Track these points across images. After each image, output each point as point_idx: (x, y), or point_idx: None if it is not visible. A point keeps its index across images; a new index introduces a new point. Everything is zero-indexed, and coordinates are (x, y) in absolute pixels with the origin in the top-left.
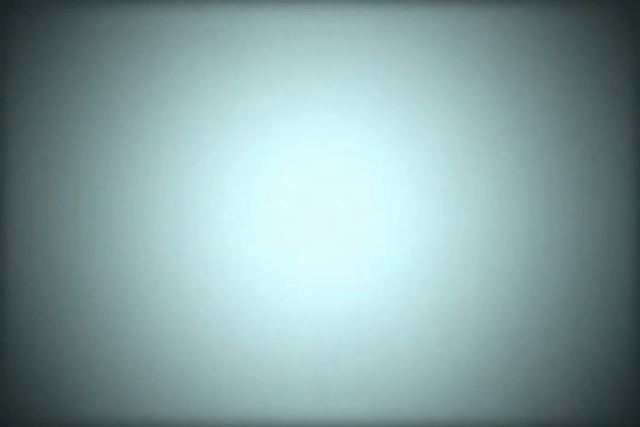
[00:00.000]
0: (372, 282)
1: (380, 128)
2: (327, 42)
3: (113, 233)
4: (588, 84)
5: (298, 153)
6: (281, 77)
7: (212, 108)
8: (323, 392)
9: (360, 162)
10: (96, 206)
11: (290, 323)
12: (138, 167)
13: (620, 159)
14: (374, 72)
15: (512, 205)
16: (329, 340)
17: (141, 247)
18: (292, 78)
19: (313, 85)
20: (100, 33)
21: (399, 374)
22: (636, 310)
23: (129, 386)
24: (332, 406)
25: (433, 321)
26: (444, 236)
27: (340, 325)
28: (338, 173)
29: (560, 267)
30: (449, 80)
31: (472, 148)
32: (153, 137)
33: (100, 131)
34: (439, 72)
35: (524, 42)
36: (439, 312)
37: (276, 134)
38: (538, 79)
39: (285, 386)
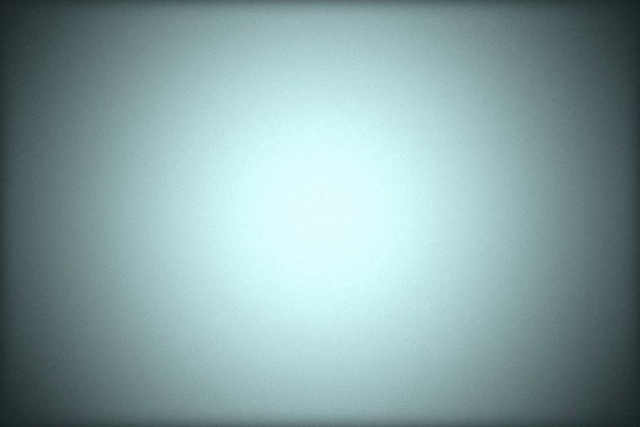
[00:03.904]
0: (374, 281)
1: (381, 128)
2: (328, 42)
3: (113, 233)
4: (589, 84)
5: (298, 153)
6: (281, 77)
7: (213, 108)
8: (324, 392)
9: (361, 161)
10: (96, 206)
11: (291, 322)
12: (138, 167)
13: (620, 159)
14: (376, 71)
15: (512, 204)
16: (330, 340)
17: (142, 247)
18: (292, 78)
19: (314, 85)
20: (99, 32)
21: (399, 374)
22: (636, 310)
23: (129, 386)
24: (332, 407)
25: (433, 320)
26: (444, 235)
27: (341, 324)
28: (339, 172)
29: (560, 267)
30: (448, 79)
31: (471, 148)
32: (153, 136)
33: (99, 130)
34: (439, 71)
35: (525, 42)
36: (439, 312)
37: (277, 134)
38: (537, 79)
39: (286, 386)
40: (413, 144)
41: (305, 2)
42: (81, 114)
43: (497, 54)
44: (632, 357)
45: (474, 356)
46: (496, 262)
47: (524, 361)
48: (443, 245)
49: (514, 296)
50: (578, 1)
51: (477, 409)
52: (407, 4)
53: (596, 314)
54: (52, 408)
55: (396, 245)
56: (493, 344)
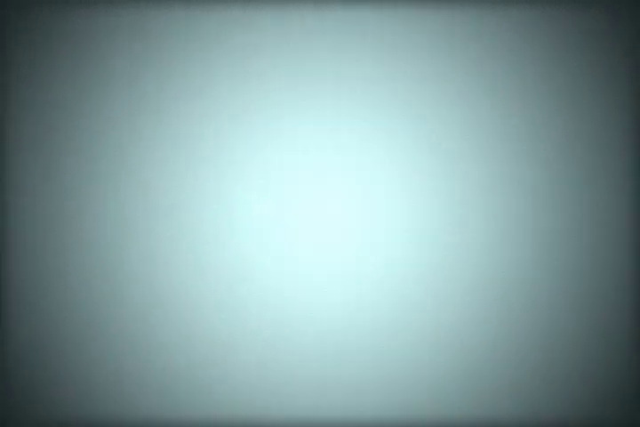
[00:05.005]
0: (374, 281)
1: (381, 128)
2: (328, 41)
3: (113, 233)
4: (588, 83)
5: (298, 153)
6: (281, 78)
7: (214, 109)
8: (323, 392)
9: (362, 161)
10: (96, 206)
11: (290, 322)
12: (138, 167)
13: (620, 159)
14: (376, 72)
15: (512, 204)
16: (330, 340)
17: (142, 248)
18: (292, 79)
19: (314, 86)
20: (99, 33)
21: (399, 374)
22: (636, 310)
23: (129, 386)
24: (331, 407)
25: (432, 320)
26: (443, 235)
27: (341, 323)
28: (339, 173)
29: (559, 267)
30: (449, 80)
31: (471, 148)
32: (153, 137)
33: (99, 131)
34: (439, 72)
35: (525, 42)
36: (439, 312)
37: (277, 134)
38: (537, 79)
39: (285, 386)
40: (414, 144)
41: (305, 2)
42: (82, 114)
43: (497, 54)
44: (632, 356)
45: (474, 356)
46: (496, 263)
47: (524, 361)
48: (442, 245)
49: (514, 296)
50: (578, 1)
51: (477, 409)
52: (407, 4)
53: (595, 313)
54: (52, 408)
55: (396, 245)
56: (493, 344)
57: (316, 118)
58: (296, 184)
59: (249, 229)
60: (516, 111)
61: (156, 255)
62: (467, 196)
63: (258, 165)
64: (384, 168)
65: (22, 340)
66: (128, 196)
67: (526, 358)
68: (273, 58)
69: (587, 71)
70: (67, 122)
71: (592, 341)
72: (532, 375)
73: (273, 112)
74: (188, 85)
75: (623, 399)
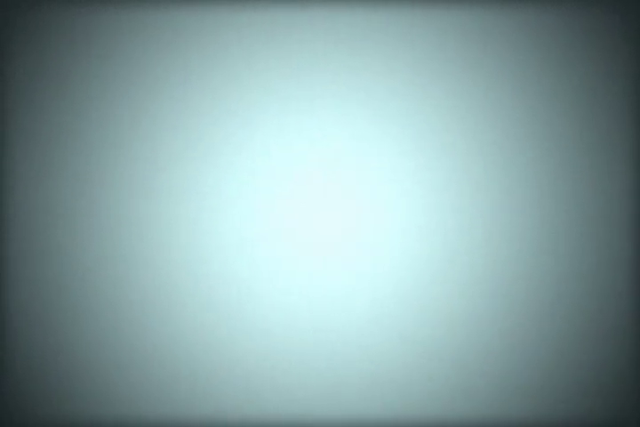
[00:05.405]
0: (375, 281)
1: (381, 128)
2: (328, 42)
3: (113, 233)
4: (589, 83)
5: (298, 153)
6: (281, 78)
7: (213, 109)
8: (323, 393)
9: (361, 162)
10: (96, 206)
11: (291, 322)
12: (138, 167)
13: (620, 158)
14: (376, 72)
15: (512, 205)
16: (330, 340)
17: (142, 247)
18: (292, 79)
19: (314, 85)
20: (99, 33)
21: (400, 374)
22: (636, 310)
23: (128, 386)
24: (331, 407)
25: (432, 320)
26: (443, 235)
27: (342, 323)
28: (339, 173)
29: (560, 267)
30: (449, 80)
31: (472, 148)
32: (153, 137)
33: (99, 131)
34: (439, 72)
35: (525, 42)
36: (439, 311)
37: (276, 134)
38: (537, 79)
39: (285, 386)
40: (413, 145)
41: (305, 2)
42: (81, 113)
43: (496, 54)
44: (632, 357)
45: (475, 356)
46: (496, 263)
47: (525, 361)
48: (443, 245)
49: (514, 296)
50: (578, 1)
51: (477, 409)
52: (407, 4)
53: (595, 314)
54: (52, 408)
55: (396, 245)
56: (493, 344)
57: (316, 119)
58: (295, 185)
59: (252, 232)
60: (518, 110)
61: (158, 258)
62: (465, 196)
63: (260, 167)
64: (385, 168)
65: (21, 341)
66: (127, 195)
67: (528, 359)
68: (273, 57)
69: (589, 70)
70: (66, 121)
71: (593, 341)
72: (534, 376)
73: (273, 113)
74: (187, 84)
75: (624, 400)
